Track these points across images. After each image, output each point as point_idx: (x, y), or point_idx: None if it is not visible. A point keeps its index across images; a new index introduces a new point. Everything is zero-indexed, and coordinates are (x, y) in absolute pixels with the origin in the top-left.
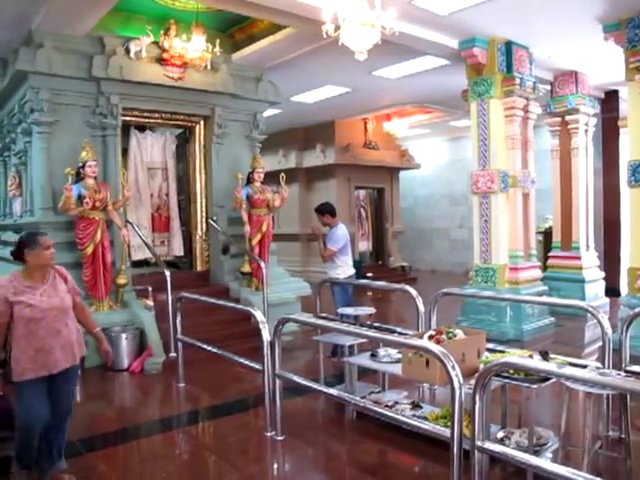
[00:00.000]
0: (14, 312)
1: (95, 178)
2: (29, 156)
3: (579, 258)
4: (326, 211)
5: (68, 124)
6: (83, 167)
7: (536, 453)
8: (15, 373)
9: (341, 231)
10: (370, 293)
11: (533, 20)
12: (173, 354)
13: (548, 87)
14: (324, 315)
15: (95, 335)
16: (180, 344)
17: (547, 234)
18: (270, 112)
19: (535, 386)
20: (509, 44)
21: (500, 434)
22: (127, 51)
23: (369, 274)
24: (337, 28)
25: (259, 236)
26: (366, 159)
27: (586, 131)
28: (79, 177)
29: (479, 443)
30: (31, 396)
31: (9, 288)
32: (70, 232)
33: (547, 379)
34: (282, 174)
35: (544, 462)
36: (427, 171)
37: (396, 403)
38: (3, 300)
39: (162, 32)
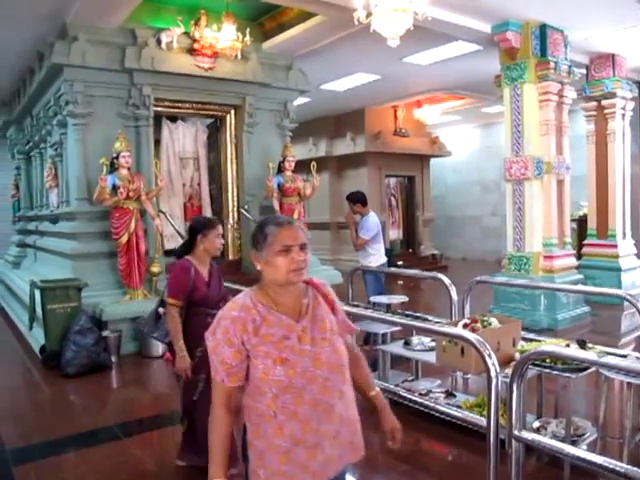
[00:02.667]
0: (254, 372)
1: (129, 168)
2: (64, 147)
3: (615, 246)
4: (357, 200)
5: (102, 115)
6: (117, 158)
7: (573, 443)
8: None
9: (372, 220)
10: (401, 282)
11: (569, 1)
12: None
13: (583, 71)
14: (356, 303)
15: (372, 400)
16: None
17: (581, 221)
18: (300, 101)
19: (573, 375)
20: (543, 27)
21: (536, 424)
22: (158, 42)
23: (400, 262)
24: (369, 15)
25: None
26: (397, 147)
27: (623, 115)
28: (113, 167)
29: (516, 432)
30: None
31: (246, 323)
32: (105, 222)
33: (585, 368)
34: (313, 163)
35: (584, 452)
36: (458, 158)
37: (430, 392)
38: (237, 346)
39: (193, 22)
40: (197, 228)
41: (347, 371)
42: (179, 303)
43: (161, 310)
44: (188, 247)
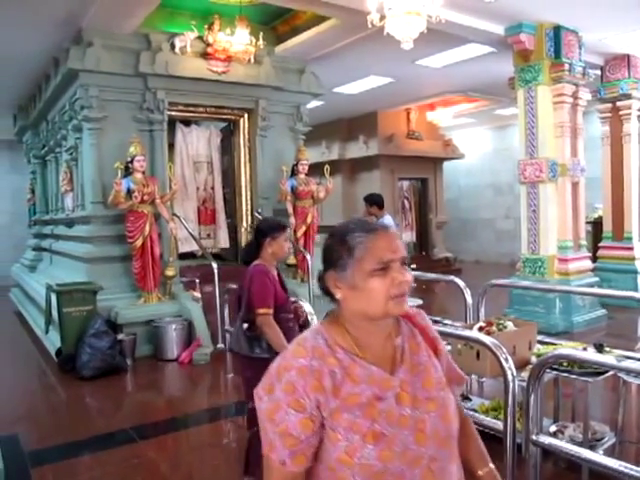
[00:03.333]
0: (330, 449)
1: (143, 172)
2: (80, 152)
3: (631, 249)
4: (374, 202)
5: (116, 120)
6: (132, 162)
7: (591, 448)
8: None
9: (387, 222)
10: (414, 284)
11: (583, 2)
12: (221, 345)
13: (598, 72)
14: None
15: None
16: (228, 335)
17: (597, 224)
18: (313, 104)
19: (591, 380)
20: (557, 29)
21: (553, 428)
22: (172, 47)
23: (413, 265)
24: (382, 18)
25: (304, 228)
26: (409, 149)
27: (639, 117)
28: (128, 171)
29: (533, 437)
30: None
31: (322, 377)
32: (119, 225)
33: (603, 372)
34: (326, 166)
35: (602, 457)
36: (471, 161)
37: None
38: (309, 411)
39: (206, 27)
40: (266, 231)
41: (456, 443)
42: (272, 310)
43: (245, 326)
44: (254, 251)
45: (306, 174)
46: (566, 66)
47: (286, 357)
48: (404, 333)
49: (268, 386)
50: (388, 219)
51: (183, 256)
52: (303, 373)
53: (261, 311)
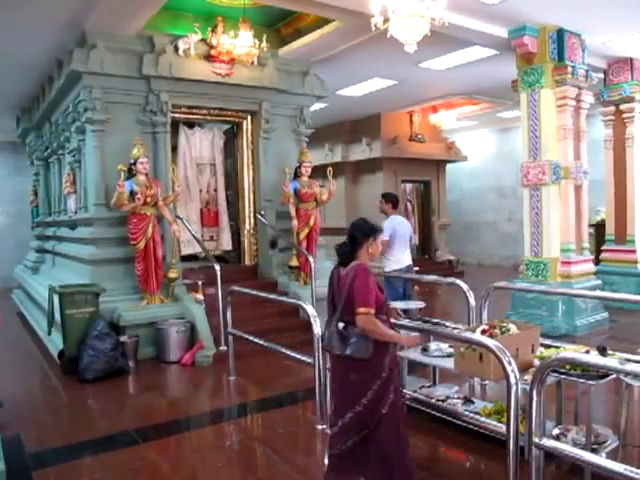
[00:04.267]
0: None
1: (146, 174)
2: (83, 154)
3: (634, 252)
4: (389, 199)
5: (120, 122)
6: (135, 164)
7: (594, 451)
8: None
9: (389, 223)
10: (417, 287)
11: (586, 5)
12: (223, 347)
13: (601, 75)
14: None
15: None
16: (230, 337)
17: (599, 227)
18: (316, 106)
19: (594, 383)
20: (561, 31)
21: (556, 431)
22: (176, 49)
23: (416, 268)
24: (386, 20)
25: (307, 230)
26: (412, 152)
27: None
28: (131, 173)
29: (536, 440)
30: None
31: None
32: (122, 227)
33: (605, 375)
34: (329, 168)
35: (604, 460)
36: (474, 163)
37: (447, 398)
38: None
39: (210, 29)
40: (368, 232)
41: None
42: (373, 310)
43: (341, 325)
44: (351, 252)
45: (309, 176)
46: (569, 69)
47: None
48: None
49: None
50: (390, 220)
51: (186, 258)
52: None
53: (362, 310)
